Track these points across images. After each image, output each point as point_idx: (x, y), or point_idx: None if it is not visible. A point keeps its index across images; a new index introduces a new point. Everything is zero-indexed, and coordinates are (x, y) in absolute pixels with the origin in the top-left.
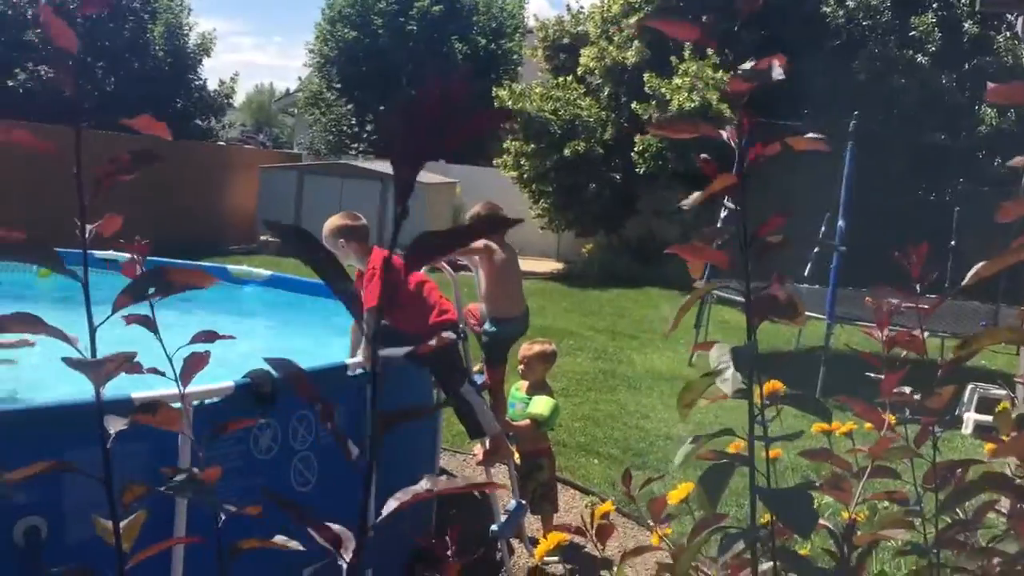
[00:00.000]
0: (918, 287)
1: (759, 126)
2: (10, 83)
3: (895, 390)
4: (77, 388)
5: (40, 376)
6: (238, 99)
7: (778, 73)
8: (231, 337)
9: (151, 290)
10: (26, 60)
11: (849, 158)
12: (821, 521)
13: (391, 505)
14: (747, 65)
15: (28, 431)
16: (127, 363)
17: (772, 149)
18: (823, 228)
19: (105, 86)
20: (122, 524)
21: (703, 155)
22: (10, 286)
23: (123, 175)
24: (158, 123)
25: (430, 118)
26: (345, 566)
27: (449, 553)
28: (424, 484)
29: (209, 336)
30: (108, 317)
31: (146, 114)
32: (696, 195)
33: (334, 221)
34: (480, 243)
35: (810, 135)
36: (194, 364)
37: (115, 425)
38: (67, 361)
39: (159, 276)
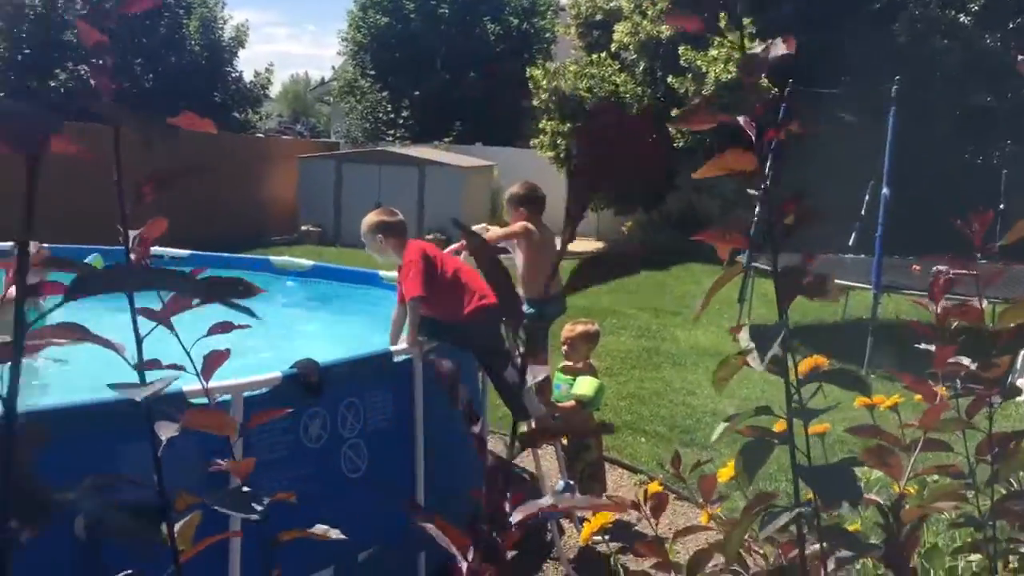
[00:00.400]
0: (979, 256)
1: (798, 95)
2: (51, 83)
3: (952, 360)
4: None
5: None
6: (274, 90)
7: (779, 50)
8: (246, 327)
9: (196, 300)
10: (65, 60)
11: (891, 123)
12: (871, 496)
13: (516, 517)
14: (756, 50)
15: (82, 427)
16: (170, 383)
17: (780, 134)
18: (867, 196)
19: (143, 82)
20: (177, 526)
21: (707, 140)
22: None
23: (164, 190)
24: (201, 120)
25: (608, 153)
26: (465, 569)
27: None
28: (548, 499)
29: (225, 327)
30: (154, 327)
31: (186, 109)
32: (705, 167)
33: (372, 218)
34: (519, 226)
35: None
36: (215, 360)
37: (166, 432)
38: (114, 387)
39: (205, 285)
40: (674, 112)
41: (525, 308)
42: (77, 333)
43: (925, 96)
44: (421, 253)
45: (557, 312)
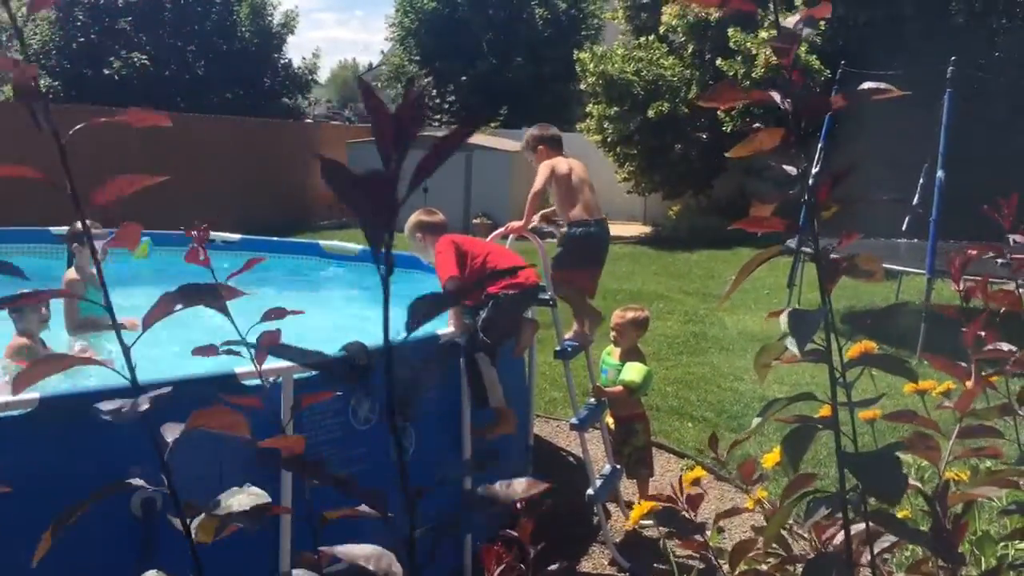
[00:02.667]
0: (1012, 239)
1: (850, 76)
2: (105, 71)
3: (991, 346)
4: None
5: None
6: (322, 76)
7: (810, 29)
8: (300, 312)
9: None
10: (120, 48)
11: (948, 105)
12: (914, 482)
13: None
14: (790, 22)
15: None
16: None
17: (820, 111)
18: (922, 180)
19: (196, 69)
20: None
21: (756, 124)
22: (108, 266)
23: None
24: (151, 114)
25: None
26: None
27: (519, 508)
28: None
29: (279, 313)
30: (143, 332)
31: (237, 95)
32: (736, 148)
33: (412, 219)
34: (542, 171)
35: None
36: (267, 342)
37: (172, 434)
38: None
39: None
40: None
41: (565, 230)
42: (62, 363)
43: (983, 77)
44: (449, 243)
45: (601, 235)
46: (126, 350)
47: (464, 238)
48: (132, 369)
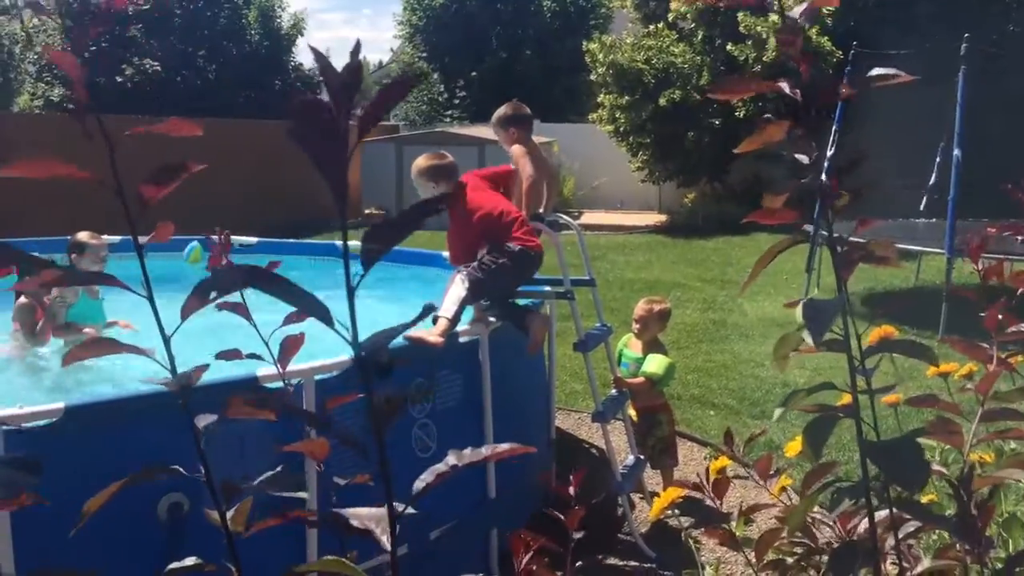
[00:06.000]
0: None
1: (863, 57)
2: (118, 79)
3: (1012, 328)
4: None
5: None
6: None
7: (809, 17)
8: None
9: (213, 294)
10: (131, 56)
11: (962, 83)
12: (938, 467)
13: None
14: (796, 10)
15: (159, 411)
16: (200, 374)
17: (832, 98)
18: (938, 158)
19: (207, 73)
20: (229, 513)
21: (767, 115)
22: (160, 270)
23: (164, 187)
24: (186, 123)
25: None
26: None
27: (572, 492)
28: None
29: (301, 316)
30: (178, 327)
31: (248, 99)
32: (744, 143)
33: (421, 162)
34: (520, 154)
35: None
36: (291, 346)
37: (204, 421)
38: (149, 381)
39: (225, 276)
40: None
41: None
42: (108, 347)
43: (998, 53)
44: (461, 217)
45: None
46: (166, 340)
47: (474, 185)
48: (172, 358)
